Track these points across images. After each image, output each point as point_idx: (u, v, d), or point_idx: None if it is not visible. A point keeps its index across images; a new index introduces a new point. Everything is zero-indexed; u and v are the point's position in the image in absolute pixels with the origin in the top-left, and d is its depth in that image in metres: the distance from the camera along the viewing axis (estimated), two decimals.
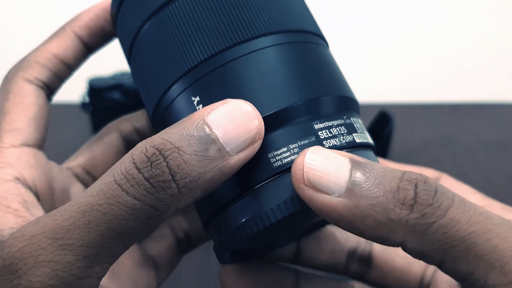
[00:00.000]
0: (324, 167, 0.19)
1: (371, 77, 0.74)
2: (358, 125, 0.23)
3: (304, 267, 0.29)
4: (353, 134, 0.22)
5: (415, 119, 0.67)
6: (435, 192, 0.18)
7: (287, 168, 0.21)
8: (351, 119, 0.23)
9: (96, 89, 0.55)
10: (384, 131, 0.52)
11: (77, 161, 0.28)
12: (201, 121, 0.19)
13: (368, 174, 0.19)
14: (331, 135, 0.22)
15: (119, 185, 0.18)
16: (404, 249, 0.19)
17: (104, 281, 0.25)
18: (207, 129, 0.19)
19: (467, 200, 0.19)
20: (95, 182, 0.19)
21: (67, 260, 0.18)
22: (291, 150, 0.21)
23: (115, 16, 0.26)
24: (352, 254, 0.29)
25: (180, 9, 0.23)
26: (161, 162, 0.18)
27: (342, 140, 0.22)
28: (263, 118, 0.21)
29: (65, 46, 0.26)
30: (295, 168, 0.19)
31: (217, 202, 0.22)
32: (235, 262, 0.25)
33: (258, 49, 0.22)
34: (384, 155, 0.53)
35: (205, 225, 0.24)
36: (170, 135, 0.19)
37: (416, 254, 0.18)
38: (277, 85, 0.22)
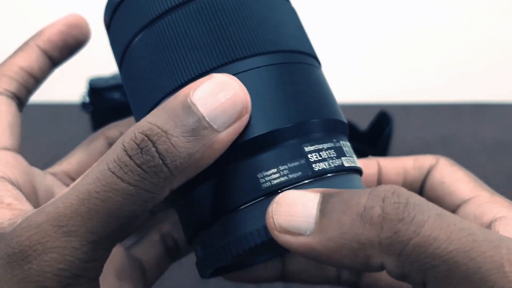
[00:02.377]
0: (290, 209, 0.19)
1: (371, 77, 0.74)
2: (346, 149, 0.23)
3: (294, 283, 0.29)
4: (342, 158, 0.22)
5: (415, 119, 0.67)
6: (406, 204, 0.17)
7: (276, 190, 0.21)
8: (340, 142, 0.23)
9: (96, 89, 0.55)
10: (384, 131, 0.52)
11: (62, 166, 0.28)
12: (186, 100, 0.19)
13: (335, 204, 0.18)
14: (321, 158, 0.21)
15: (113, 172, 0.19)
16: (387, 273, 0.18)
17: None
18: (193, 108, 0.19)
19: (446, 212, 0.17)
20: (89, 170, 0.20)
21: (73, 245, 0.18)
22: (281, 172, 0.21)
23: (108, 24, 0.26)
24: None
25: (174, 23, 0.23)
26: (150, 148, 0.19)
27: (331, 164, 0.21)
28: (253, 138, 0.21)
29: (30, 59, 0.26)
30: (267, 217, 0.19)
31: (201, 220, 0.22)
32: (217, 276, 0.25)
33: (249, 69, 0.22)
34: (384, 155, 0.53)
35: (188, 241, 0.24)
36: (157, 117, 0.19)
37: (398, 276, 0.18)
38: (268, 106, 0.21)
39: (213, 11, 0.23)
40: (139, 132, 0.19)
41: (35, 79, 0.27)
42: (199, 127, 0.19)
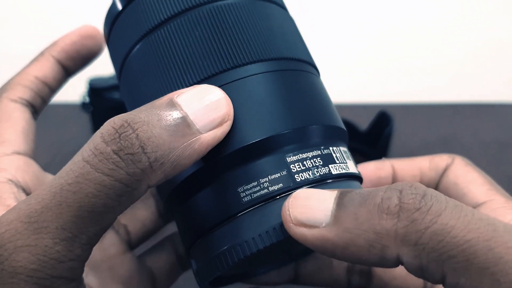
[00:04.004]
0: (307, 202, 0.19)
1: (371, 77, 0.74)
2: (338, 155, 0.22)
3: (304, 286, 0.29)
4: (330, 166, 0.22)
5: (415, 119, 0.67)
6: (423, 195, 0.17)
7: (257, 203, 0.21)
8: (331, 148, 0.22)
9: (96, 89, 0.55)
10: (384, 131, 0.52)
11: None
12: (170, 101, 0.19)
13: (352, 198, 0.18)
14: (304, 168, 0.21)
15: (87, 162, 0.18)
16: (405, 267, 0.17)
17: (97, 287, 0.25)
18: (177, 106, 0.19)
19: (464, 205, 0.17)
20: (67, 164, 0.19)
21: (45, 244, 0.17)
22: (261, 185, 0.21)
23: (107, 36, 0.26)
24: (352, 268, 0.28)
25: (170, 34, 0.23)
26: (130, 134, 0.18)
27: (316, 173, 0.21)
28: (236, 150, 0.21)
29: (45, 69, 0.27)
30: (283, 211, 0.19)
31: (196, 230, 0.22)
32: (218, 286, 0.25)
33: (237, 79, 0.22)
34: (384, 155, 0.53)
35: (187, 252, 0.24)
36: (140, 111, 0.19)
37: (416, 270, 0.17)
38: (255, 116, 0.21)
39: (209, 21, 0.23)
40: (119, 119, 0.18)
41: (50, 88, 0.27)
42: (182, 124, 0.19)
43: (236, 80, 0.22)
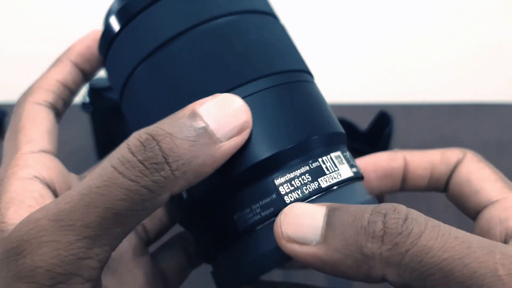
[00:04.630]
0: (298, 220, 0.20)
1: (371, 77, 0.74)
2: (328, 165, 0.23)
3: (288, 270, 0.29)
4: (319, 179, 0.22)
5: (415, 119, 0.67)
6: (405, 219, 0.18)
7: (253, 228, 0.21)
8: (320, 160, 0.22)
9: (96, 89, 0.55)
10: (384, 131, 0.52)
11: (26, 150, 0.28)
12: (192, 112, 0.20)
13: (341, 217, 0.19)
14: (292, 188, 0.21)
15: (115, 168, 0.19)
16: (390, 283, 0.19)
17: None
18: (198, 118, 0.20)
19: (442, 224, 0.18)
20: (95, 169, 0.20)
21: (67, 240, 0.18)
22: (254, 211, 0.21)
23: (104, 57, 0.27)
24: None
25: (173, 54, 0.23)
26: (154, 146, 0.19)
27: (305, 191, 0.21)
28: (233, 177, 0.21)
29: (65, 72, 0.28)
30: (275, 227, 0.20)
31: (217, 243, 0.23)
32: None
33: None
34: None
35: (207, 261, 0.25)
36: (163, 124, 0.20)
37: (400, 285, 0.18)
38: (253, 138, 0.22)
39: (208, 40, 0.23)
40: (145, 132, 0.20)
41: (70, 91, 0.29)
42: (203, 134, 0.20)
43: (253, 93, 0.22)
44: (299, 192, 0.21)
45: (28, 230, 0.19)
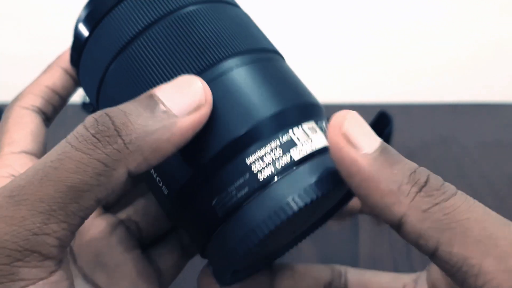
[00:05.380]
0: (361, 129, 0.21)
1: (371, 77, 0.74)
2: (299, 135, 0.22)
3: None
4: (291, 151, 0.22)
5: (415, 119, 0.67)
6: (443, 183, 0.20)
7: (231, 211, 0.21)
8: (291, 131, 0.22)
9: None
10: (384, 131, 0.52)
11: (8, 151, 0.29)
12: (148, 93, 0.21)
13: (396, 154, 0.21)
14: (264, 165, 0.21)
15: (69, 143, 0.20)
16: (401, 228, 0.20)
17: (104, 284, 0.25)
18: (154, 97, 0.21)
19: (468, 196, 0.20)
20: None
21: (21, 215, 0.18)
22: (230, 193, 0.21)
23: (77, 66, 0.27)
24: (329, 285, 0.29)
25: (143, 46, 0.24)
26: (107, 120, 0.20)
27: (277, 166, 0.21)
28: (208, 160, 0.21)
29: (54, 78, 0.29)
30: (336, 118, 0.21)
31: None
32: (236, 282, 0.26)
33: (216, 77, 0.23)
34: None
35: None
36: (120, 105, 0.21)
37: (413, 233, 0.19)
38: (222, 119, 0.22)
39: (178, 28, 0.24)
40: (99, 111, 0.20)
41: (60, 96, 0.29)
42: (158, 109, 0.20)
43: (215, 78, 0.23)
44: (271, 169, 0.21)
45: None
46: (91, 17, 0.25)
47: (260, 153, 0.21)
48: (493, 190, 0.53)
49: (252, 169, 0.21)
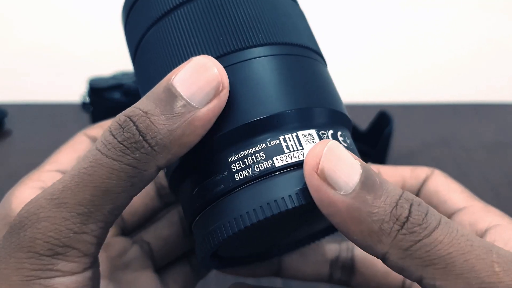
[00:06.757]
0: (339, 163, 0.20)
1: (371, 77, 0.74)
2: (290, 143, 0.21)
3: (287, 279, 0.30)
4: (274, 158, 0.21)
5: (415, 119, 0.67)
6: (426, 213, 0.19)
7: (206, 206, 0.22)
8: (281, 137, 0.21)
9: (96, 89, 0.55)
10: (384, 131, 0.52)
11: (54, 166, 0.29)
12: (168, 84, 0.21)
13: (377, 185, 0.20)
14: (243, 166, 0.21)
15: (99, 150, 0.20)
16: (385, 262, 0.20)
17: None
18: (172, 90, 0.21)
19: (452, 222, 0.20)
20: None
21: (62, 216, 0.20)
22: (208, 187, 0.22)
23: (124, 24, 0.28)
24: (335, 263, 0.30)
25: (180, 18, 0.24)
26: (131, 126, 0.20)
27: (255, 169, 0.21)
28: (196, 150, 0.22)
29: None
30: (312, 155, 0.20)
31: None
32: (218, 269, 0.26)
33: (239, 62, 0.23)
34: (384, 155, 0.53)
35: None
36: (140, 102, 0.21)
37: (397, 268, 0.19)
38: (233, 106, 0.22)
39: (215, 7, 0.24)
40: (123, 115, 0.21)
41: None
42: (178, 105, 0.21)
43: (238, 62, 0.23)
44: (249, 171, 0.21)
45: (29, 208, 0.20)
46: None
47: (242, 153, 0.22)
48: (493, 189, 0.53)
49: (232, 167, 0.21)
